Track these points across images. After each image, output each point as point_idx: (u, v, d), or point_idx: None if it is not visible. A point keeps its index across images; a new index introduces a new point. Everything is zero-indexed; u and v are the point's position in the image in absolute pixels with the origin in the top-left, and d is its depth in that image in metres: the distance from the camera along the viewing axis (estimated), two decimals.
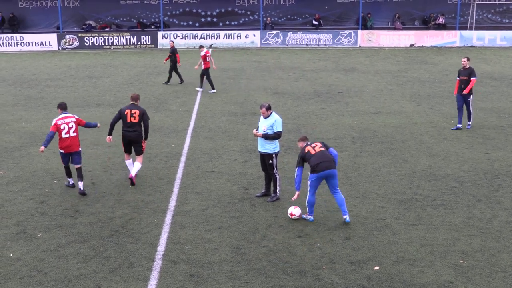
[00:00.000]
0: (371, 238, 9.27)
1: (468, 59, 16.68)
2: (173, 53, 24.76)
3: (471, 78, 16.22)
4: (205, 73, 23.13)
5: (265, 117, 10.97)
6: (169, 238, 9.36)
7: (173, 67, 24.89)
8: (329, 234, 9.42)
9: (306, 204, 9.96)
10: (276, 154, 11.03)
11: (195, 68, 24.45)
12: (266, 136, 10.80)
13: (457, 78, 16.64)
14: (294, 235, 9.42)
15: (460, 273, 8.13)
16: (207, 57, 23.16)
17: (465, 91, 16.17)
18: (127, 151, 12.39)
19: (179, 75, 25.11)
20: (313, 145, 9.96)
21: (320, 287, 7.76)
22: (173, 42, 26.54)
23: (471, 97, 16.40)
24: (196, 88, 23.41)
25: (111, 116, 18.66)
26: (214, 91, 22.92)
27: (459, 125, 16.49)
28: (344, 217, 9.83)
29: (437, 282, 7.87)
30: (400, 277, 8.04)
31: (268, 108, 11.03)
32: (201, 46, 24.02)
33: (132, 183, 11.87)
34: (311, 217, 10.02)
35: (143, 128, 12.20)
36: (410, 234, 9.47)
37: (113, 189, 11.74)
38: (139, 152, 12.29)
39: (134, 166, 12.20)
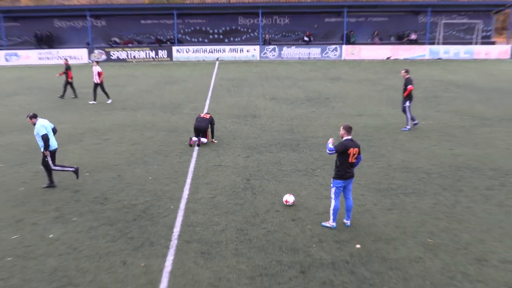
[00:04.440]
0: (353, 221, 9.31)
1: (405, 71, 16.63)
2: (67, 69, 23.57)
3: (407, 86, 16.28)
4: (101, 85, 22.36)
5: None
6: (183, 221, 9.41)
7: (67, 82, 23.63)
8: (318, 218, 9.47)
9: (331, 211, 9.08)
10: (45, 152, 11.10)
11: (99, 81, 22.34)
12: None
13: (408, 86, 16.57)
14: (288, 219, 9.47)
15: (428, 250, 8.18)
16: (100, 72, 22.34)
17: (405, 94, 16.40)
18: (196, 136, 14.77)
19: (72, 89, 23.82)
20: (354, 150, 8.74)
21: (311, 262, 7.82)
22: (67, 60, 24.31)
23: (407, 103, 16.36)
24: (108, 101, 22.37)
25: (133, 118, 18.79)
26: (95, 102, 22.27)
27: (415, 122, 16.68)
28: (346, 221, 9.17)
29: (409, 258, 7.93)
30: (378, 253, 8.09)
31: (31, 117, 11.16)
32: (96, 62, 22.92)
33: (198, 145, 14.62)
34: (334, 224, 9.04)
35: (210, 125, 14.99)
36: (386, 217, 9.52)
37: (136, 180, 11.80)
38: (204, 136, 14.86)
39: (202, 139, 14.76)
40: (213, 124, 15.13)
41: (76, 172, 11.52)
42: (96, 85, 22.41)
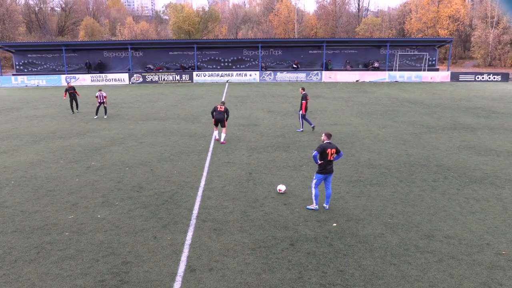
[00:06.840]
0: (331, 205, 9.23)
1: (302, 89, 17.29)
2: (72, 89, 22.33)
3: (302, 101, 16.92)
4: (102, 104, 20.96)
5: None
6: (200, 205, 9.34)
7: (72, 100, 22.38)
8: (304, 203, 9.39)
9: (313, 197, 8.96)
10: None
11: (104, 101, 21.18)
12: None
13: (303, 101, 16.96)
14: (281, 203, 9.40)
15: (389, 228, 8.10)
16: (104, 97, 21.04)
17: (303, 106, 17.00)
18: (216, 126, 14.95)
19: (72, 107, 22.48)
20: (332, 150, 8.65)
21: (298, 237, 7.73)
22: (70, 83, 23.00)
23: (300, 113, 16.98)
24: (95, 117, 21.04)
25: (163, 126, 18.72)
26: (104, 116, 21.02)
27: (301, 130, 17.18)
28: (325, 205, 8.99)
29: (373, 234, 7.84)
30: (350, 230, 8.01)
31: None
32: (100, 90, 21.35)
33: (222, 142, 14.94)
34: (317, 206, 8.96)
35: (225, 115, 15.02)
36: (356, 202, 9.44)
37: (164, 173, 11.72)
38: (223, 125, 15.01)
39: (222, 136, 15.02)
40: (228, 113, 15.08)
41: None
42: (101, 103, 21.19)
